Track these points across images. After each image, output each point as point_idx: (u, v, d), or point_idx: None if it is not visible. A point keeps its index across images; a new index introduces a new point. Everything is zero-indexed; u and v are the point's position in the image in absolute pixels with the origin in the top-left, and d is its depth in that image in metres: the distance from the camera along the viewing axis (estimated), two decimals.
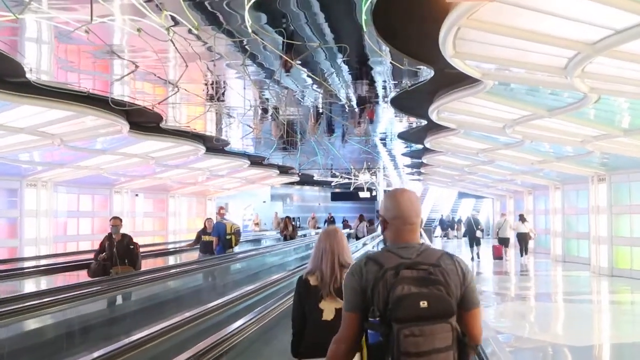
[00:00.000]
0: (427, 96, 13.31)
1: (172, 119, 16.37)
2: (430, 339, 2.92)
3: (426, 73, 11.52)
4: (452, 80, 11.89)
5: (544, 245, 29.03)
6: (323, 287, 4.62)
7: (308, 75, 11.49)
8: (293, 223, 28.22)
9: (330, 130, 18.97)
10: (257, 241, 30.73)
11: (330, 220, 41.95)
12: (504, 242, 25.85)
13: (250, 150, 25.36)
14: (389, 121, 17.96)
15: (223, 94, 12.93)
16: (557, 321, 13.96)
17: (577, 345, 10.98)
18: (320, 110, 15.88)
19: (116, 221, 12.79)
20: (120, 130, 15.91)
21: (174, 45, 8.85)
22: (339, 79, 12.38)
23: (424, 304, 2.94)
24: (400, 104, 14.86)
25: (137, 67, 10.56)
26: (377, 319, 2.99)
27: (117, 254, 12.33)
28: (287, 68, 9.33)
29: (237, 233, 17.55)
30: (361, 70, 12.03)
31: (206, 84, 11.57)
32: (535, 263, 26.18)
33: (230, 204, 41.77)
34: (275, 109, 15.35)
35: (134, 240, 12.98)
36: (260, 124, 17.15)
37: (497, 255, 25.58)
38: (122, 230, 12.84)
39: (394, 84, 12.89)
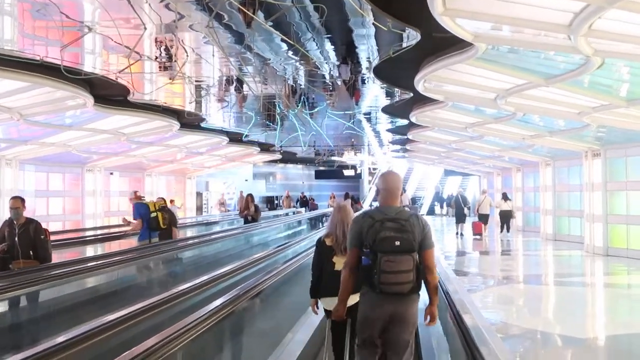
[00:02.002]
0: (413, 65, 12.32)
1: (139, 92, 15.25)
2: (399, 264, 4.88)
3: (412, 37, 10.49)
4: (440, 46, 10.96)
5: (533, 224, 28.27)
6: (336, 247, 6.16)
7: (282, 40, 10.39)
8: (255, 202, 21.49)
9: (309, 104, 17.76)
10: (208, 225, 27.00)
11: (304, 200, 40.82)
12: (484, 218, 26.32)
13: (230, 127, 24.28)
14: (372, 94, 16.85)
15: (188, 62, 11.78)
16: (549, 307, 13.06)
17: (572, 335, 10.04)
18: (299, 82, 14.80)
19: (16, 202, 9.63)
20: (84, 104, 14.85)
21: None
22: (317, 45, 11.31)
23: (397, 242, 4.90)
24: (384, 73, 13.83)
25: (89, 29, 9.45)
26: (368, 250, 4.94)
27: (20, 245, 9.46)
28: (247, 21, 8.22)
29: (164, 210, 14.24)
30: (341, 35, 11.00)
31: (166, 49, 10.39)
32: (524, 242, 25.57)
33: (211, 182, 40.72)
34: (251, 80, 14.25)
35: (43, 226, 9.97)
36: (238, 97, 15.98)
37: (477, 232, 26.07)
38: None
39: (377, 49, 11.82)
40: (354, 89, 18.27)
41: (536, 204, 27.72)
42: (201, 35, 10.34)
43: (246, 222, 20.67)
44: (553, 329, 10.57)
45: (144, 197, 16.68)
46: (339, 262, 5.84)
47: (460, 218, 27.54)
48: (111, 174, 28.62)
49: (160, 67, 11.81)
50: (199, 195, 36.94)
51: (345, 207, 6.42)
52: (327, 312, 6.10)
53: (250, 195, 21.10)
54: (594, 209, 19.46)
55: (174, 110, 18.55)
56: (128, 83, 13.67)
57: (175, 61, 10.55)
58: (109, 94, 15.45)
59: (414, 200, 44.26)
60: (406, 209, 5.73)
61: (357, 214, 5.51)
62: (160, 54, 10.62)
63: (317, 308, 6.30)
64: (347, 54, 13.26)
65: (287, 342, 7.11)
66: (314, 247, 6.42)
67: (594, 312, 12.50)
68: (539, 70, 11.14)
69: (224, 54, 10.60)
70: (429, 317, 5.20)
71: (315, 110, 19.48)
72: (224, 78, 13.28)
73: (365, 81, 15.30)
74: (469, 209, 29.79)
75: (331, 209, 7.98)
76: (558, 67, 10.70)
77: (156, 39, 10.36)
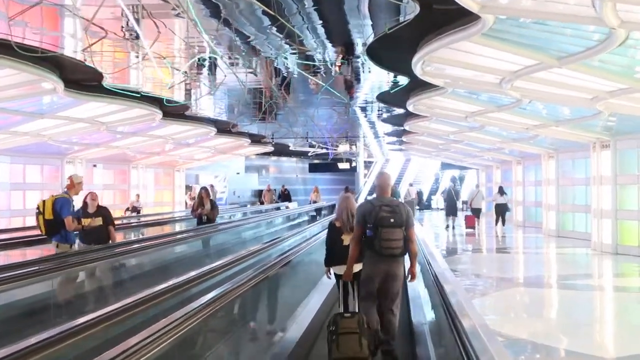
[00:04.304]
0: (411, 45, 11.10)
1: (109, 76, 14.06)
2: (393, 234, 6.97)
3: (410, 10, 9.29)
4: (441, 22, 9.77)
5: (535, 219, 27.20)
6: (344, 227, 7.93)
7: (264, 13, 9.15)
8: (212, 198, 17.57)
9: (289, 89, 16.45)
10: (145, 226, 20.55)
11: (285, 194, 38.92)
12: (477, 212, 26.88)
13: (218, 117, 23.10)
14: (362, 76, 15.65)
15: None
16: (552, 313, 11.90)
17: (579, 351, 8.82)
18: (284, 65, 13.59)
19: None
20: (53, 89, 13.64)
21: None
22: (303, 19, 10.09)
23: (392, 220, 6.99)
24: (379, 55, 12.62)
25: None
26: (372, 225, 7.00)
27: None
28: None
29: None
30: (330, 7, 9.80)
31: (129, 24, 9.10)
32: (525, 238, 24.63)
33: (202, 175, 39.43)
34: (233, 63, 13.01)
35: None
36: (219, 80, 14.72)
37: (470, 225, 26.67)
38: (95, 200, 10.84)
39: (371, 25, 10.59)
40: (351, 87, 17.21)
41: (537, 198, 26.74)
42: (170, 7, 9.09)
43: (200, 222, 16.30)
44: (557, 342, 9.38)
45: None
46: (346, 239, 7.77)
47: (450, 211, 27.79)
48: (94, 166, 27.37)
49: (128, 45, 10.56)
50: (188, 188, 35.62)
51: (349, 198, 8.32)
52: (338, 276, 7.98)
53: (204, 190, 16.73)
54: (602, 204, 18.26)
55: (154, 98, 17.29)
56: (96, 64, 12.42)
57: (137, 38, 9.28)
58: (81, 78, 14.24)
59: (419, 194, 43.24)
60: (394, 199, 7.73)
61: (361, 202, 7.93)
62: (125, 27, 9.33)
63: (330, 274, 8.14)
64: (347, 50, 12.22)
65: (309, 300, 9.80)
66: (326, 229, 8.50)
67: (603, 320, 11.33)
68: (551, 49, 9.97)
69: (197, 29, 9.34)
70: (410, 276, 7.50)
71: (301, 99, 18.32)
72: (197, 59, 11.97)
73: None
74: (464, 202, 32.09)
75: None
76: (574, 44, 9.54)
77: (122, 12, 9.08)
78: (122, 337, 4.42)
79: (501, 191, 26.18)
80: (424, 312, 9.18)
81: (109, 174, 29.13)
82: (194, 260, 14.32)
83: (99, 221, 10.99)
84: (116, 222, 12.45)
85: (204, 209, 16.04)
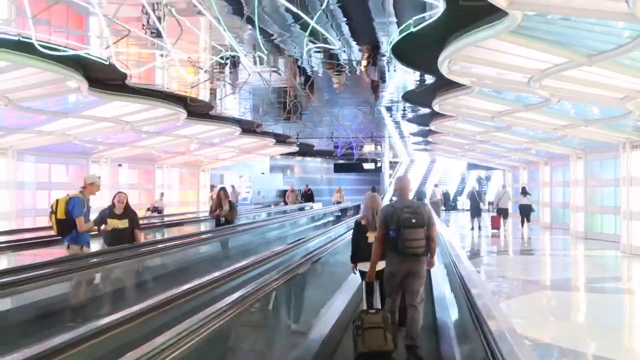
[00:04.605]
0: (437, 43, 10.91)
1: (136, 75, 14.03)
2: (415, 234, 7.15)
3: (436, 7, 9.12)
4: (468, 19, 9.56)
5: (562, 220, 26.82)
6: (369, 226, 8.21)
7: (287, 10, 9.04)
8: (231, 199, 16.39)
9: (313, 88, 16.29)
10: (169, 226, 20.40)
11: (308, 194, 38.52)
12: (503, 212, 26.51)
13: (242, 116, 23.04)
14: (388, 75, 15.48)
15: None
16: (580, 317, 11.60)
17: (608, 357, 8.55)
18: (309, 63, 13.45)
19: None
20: (78, 88, 13.65)
21: None
22: (327, 16, 9.94)
23: (413, 220, 7.17)
24: (404, 53, 12.45)
25: None
26: (394, 227, 7.19)
27: None
28: None
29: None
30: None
31: (151, 22, 9.01)
32: (552, 240, 24.26)
33: (226, 175, 39.44)
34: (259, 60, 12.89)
35: None
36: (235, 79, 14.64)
37: (495, 226, 26.36)
38: (123, 202, 10.52)
39: (396, 23, 10.43)
40: (376, 87, 17.05)
41: (565, 199, 26.33)
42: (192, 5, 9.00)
43: (218, 224, 15.61)
44: (585, 346, 9.14)
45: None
46: (371, 236, 7.96)
47: (475, 212, 27.70)
48: (119, 165, 27.44)
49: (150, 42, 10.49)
50: (213, 188, 35.63)
51: (375, 197, 8.66)
52: (363, 273, 8.17)
53: (223, 190, 15.92)
54: (632, 206, 17.89)
55: (179, 97, 17.26)
56: (121, 63, 12.40)
57: (163, 36, 9.20)
58: (105, 77, 14.23)
59: (446, 195, 43.42)
60: (414, 199, 8.66)
61: (384, 205, 7.86)
62: (147, 25, 9.27)
63: (356, 270, 8.46)
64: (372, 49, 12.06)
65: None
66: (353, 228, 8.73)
67: (632, 325, 11.04)
68: (581, 47, 9.74)
69: (220, 27, 9.24)
70: (427, 264, 7.57)
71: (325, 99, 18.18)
72: (220, 57, 11.86)
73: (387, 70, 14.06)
74: (490, 203, 32.33)
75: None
76: (603, 41, 9.30)
77: (142, 8, 9.01)
78: (135, 343, 4.26)
79: (524, 192, 26.04)
80: (449, 314, 8.90)
81: (134, 173, 29.22)
82: (209, 263, 13.87)
83: (124, 223, 10.60)
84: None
85: (222, 210, 15.38)
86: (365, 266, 7.94)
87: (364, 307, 7.87)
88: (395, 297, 7.48)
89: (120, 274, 10.45)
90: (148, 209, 26.73)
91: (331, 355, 7.65)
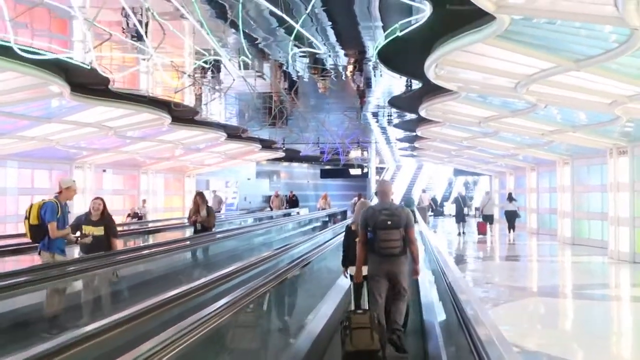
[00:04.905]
0: (424, 48, 10.79)
1: (119, 80, 13.83)
2: (390, 235, 7.45)
3: (422, 11, 8.99)
4: (455, 23, 9.44)
5: (549, 226, 26.80)
6: (358, 230, 8.06)
7: (271, 14, 8.89)
8: (211, 205, 16.18)
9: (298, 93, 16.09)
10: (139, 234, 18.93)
11: (293, 200, 38.07)
12: (489, 219, 27.09)
13: (229, 121, 22.87)
14: (374, 80, 15.36)
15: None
16: (567, 325, 11.47)
17: None
18: (294, 68, 13.30)
19: None
20: (60, 92, 13.43)
21: None
22: (312, 20, 9.80)
23: (389, 222, 7.46)
24: (390, 58, 12.33)
25: None
26: (371, 229, 7.51)
27: None
28: None
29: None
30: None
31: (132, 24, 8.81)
32: (539, 246, 24.22)
33: (212, 181, 39.17)
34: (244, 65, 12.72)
35: None
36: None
37: (482, 232, 26.67)
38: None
39: (382, 27, 10.30)
40: (362, 93, 16.94)
41: (552, 205, 26.33)
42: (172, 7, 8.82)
43: (196, 230, 14.64)
44: (573, 355, 9.02)
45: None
46: None
47: (459, 217, 28.20)
48: (104, 171, 27.16)
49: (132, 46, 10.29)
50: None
51: (365, 203, 8.81)
52: (352, 277, 8.36)
53: (200, 195, 14.81)
54: (619, 212, 17.84)
55: (163, 102, 17.05)
56: (103, 68, 12.19)
57: (145, 39, 9.01)
58: (88, 82, 14.01)
59: (434, 201, 43.60)
60: (394, 202, 8.56)
61: (364, 208, 7.99)
62: (127, 28, 9.08)
63: (347, 274, 8.80)
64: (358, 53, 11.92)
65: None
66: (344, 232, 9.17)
67: (620, 333, 10.90)
68: (568, 51, 9.65)
69: (202, 29, 9.08)
70: (412, 273, 8.02)
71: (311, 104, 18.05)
72: (201, 61, 11.68)
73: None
74: (477, 209, 32.58)
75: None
76: (590, 46, 9.21)
77: (122, 11, 8.82)
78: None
79: (510, 198, 26.44)
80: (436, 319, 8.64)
81: (118, 179, 28.87)
82: (182, 273, 12.90)
83: (100, 230, 10.01)
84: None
85: (200, 216, 14.38)
86: (354, 270, 8.12)
87: (352, 307, 8.40)
88: (380, 295, 7.60)
89: (93, 284, 9.86)
90: (128, 215, 25.92)
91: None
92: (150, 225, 22.33)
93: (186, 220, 16.72)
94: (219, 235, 15.63)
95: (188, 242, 14.29)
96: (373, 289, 7.62)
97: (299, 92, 15.90)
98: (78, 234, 9.95)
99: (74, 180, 10.15)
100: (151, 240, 17.69)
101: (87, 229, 9.98)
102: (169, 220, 25.88)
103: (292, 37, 9.93)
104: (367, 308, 7.80)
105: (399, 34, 9.89)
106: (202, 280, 7.59)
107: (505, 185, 33.94)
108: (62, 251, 9.53)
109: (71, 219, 10.12)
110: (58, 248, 9.39)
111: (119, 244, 11.15)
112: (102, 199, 10.45)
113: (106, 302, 9.95)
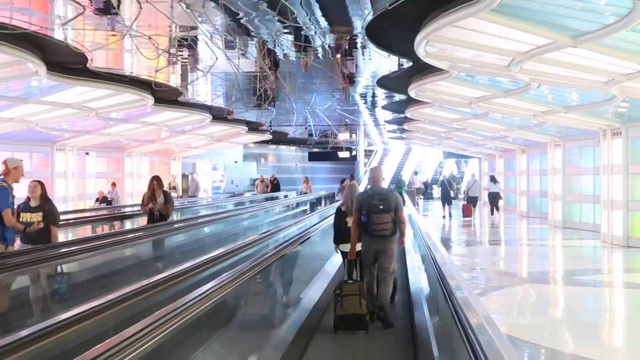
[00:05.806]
0: (414, 23, 10.32)
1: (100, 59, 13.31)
2: (382, 218, 8.44)
3: None
4: None
5: (539, 209, 26.50)
6: (348, 211, 9.32)
7: None
8: (167, 189, 14.73)
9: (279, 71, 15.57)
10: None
11: (274, 183, 37.17)
12: (473, 201, 27.56)
13: (215, 102, 22.31)
14: (362, 58, 14.89)
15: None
16: (558, 312, 11.05)
17: (588, 357, 7.99)
18: (279, 46, 12.80)
19: None
20: (36, 72, 12.88)
21: None
22: None
23: (381, 207, 8.45)
24: (379, 36, 11.86)
25: None
26: (365, 212, 8.50)
27: None
28: None
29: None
30: None
31: None
32: (529, 229, 23.88)
33: (198, 164, 38.64)
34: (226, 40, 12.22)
35: None
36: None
37: (467, 214, 27.11)
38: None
39: (370, 1, 9.82)
40: (346, 76, 16.51)
41: (542, 187, 26.05)
42: None
43: (151, 219, 12.78)
44: (564, 345, 8.65)
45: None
46: (350, 221, 9.03)
47: (445, 200, 28.68)
48: (86, 154, 26.59)
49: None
50: (184, 177, 34.82)
51: (354, 185, 9.82)
52: (344, 253, 9.40)
53: (156, 179, 12.99)
54: (613, 195, 17.47)
55: (145, 82, 16.49)
56: (79, 45, 11.68)
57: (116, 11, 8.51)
58: (65, 60, 13.47)
59: (426, 185, 44.15)
60: (384, 187, 9.35)
61: (359, 193, 9.04)
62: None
63: (338, 250, 9.70)
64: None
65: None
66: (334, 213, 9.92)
67: (613, 320, 10.58)
68: (565, 27, 9.21)
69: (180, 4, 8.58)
70: (399, 243, 8.95)
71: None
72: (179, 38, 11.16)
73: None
74: (461, 191, 33.56)
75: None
76: (585, 20, 8.79)
77: None
78: None
79: (493, 180, 27.56)
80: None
81: (102, 162, 28.30)
82: (128, 270, 10.98)
83: (38, 217, 8.89)
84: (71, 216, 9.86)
85: (156, 203, 12.60)
86: (345, 247, 9.23)
87: (345, 278, 9.18)
88: (371, 270, 8.84)
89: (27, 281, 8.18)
90: (97, 200, 24.14)
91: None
92: (113, 211, 19.35)
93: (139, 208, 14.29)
94: (176, 225, 13.77)
95: (141, 233, 11.83)
96: (365, 263, 8.87)
97: (287, 73, 15.41)
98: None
99: (21, 159, 9.17)
100: (117, 228, 15.16)
101: (25, 216, 8.90)
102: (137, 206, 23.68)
103: (275, 12, 9.47)
104: (357, 279, 8.99)
105: (387, 7, 9.38)
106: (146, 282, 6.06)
107: (494, 167, 33.65)
108: (13, 241, 8.59)
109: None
110: (12, 238, 8.50)
111: (57, 233, 9.52)
112: (39, 182, 9.29)
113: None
